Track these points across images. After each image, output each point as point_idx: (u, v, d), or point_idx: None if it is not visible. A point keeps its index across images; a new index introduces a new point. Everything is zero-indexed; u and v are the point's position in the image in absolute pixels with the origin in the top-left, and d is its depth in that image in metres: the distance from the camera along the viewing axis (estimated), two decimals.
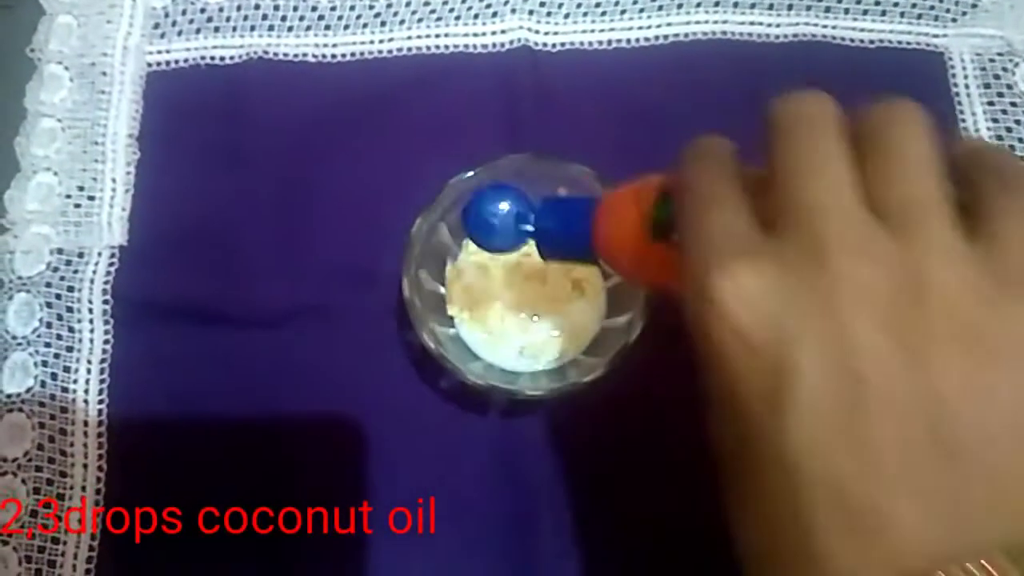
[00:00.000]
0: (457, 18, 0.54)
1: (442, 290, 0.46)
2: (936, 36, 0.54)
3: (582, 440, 0.47)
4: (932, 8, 0.54)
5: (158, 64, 0.53)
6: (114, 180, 0.51)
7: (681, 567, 0.46)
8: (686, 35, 0.53)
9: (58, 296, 0.49)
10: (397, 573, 0.46)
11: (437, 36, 0.53)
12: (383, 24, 0.53)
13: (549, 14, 0.54)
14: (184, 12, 0.54)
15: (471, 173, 0.44)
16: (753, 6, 0.54)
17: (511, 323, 0.45)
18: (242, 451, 0.47)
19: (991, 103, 0.53)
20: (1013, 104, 0.52)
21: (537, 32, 0.53)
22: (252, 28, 0.53)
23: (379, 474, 0.47)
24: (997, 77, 0.53)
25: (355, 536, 0.46)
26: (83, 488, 0.47)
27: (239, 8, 0.54)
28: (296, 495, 0.47)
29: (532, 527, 0.46)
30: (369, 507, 0.46)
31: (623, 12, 0.54)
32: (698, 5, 0.54)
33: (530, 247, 0.46)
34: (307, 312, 0.49)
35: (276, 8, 0.54)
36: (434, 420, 0.47)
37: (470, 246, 0.47)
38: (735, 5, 0.54)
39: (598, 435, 0.47)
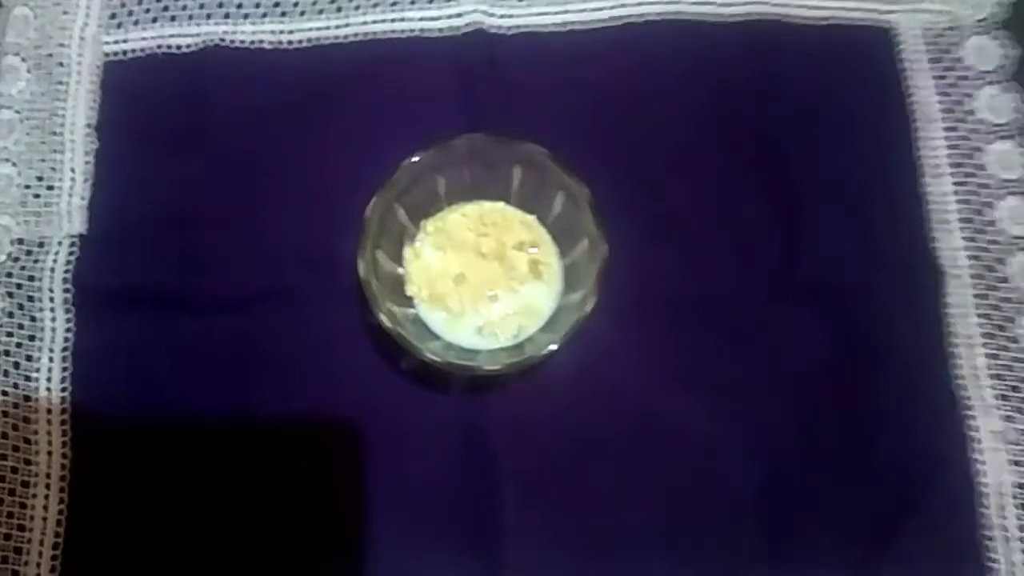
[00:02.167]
0: (412, 2, 0.54)
1: (400, 271, 0.47)
2: (885, 13, 0.54)
3: (542, 418, 0.48)
4: None
5: (115, 54, 0.53)
6: (73, 170, 0.51)
7: (642, 542, 0.47)
8: (639, 16, 0.54)
9: (19, 286, 0.49)
10: (360, 551, 0.46)
11: (393, 21, 0.54)
12: (339, 10, 0.54)
13: None
14: (140, 1, 0.54)
15: (426, 153, 0.44)
16: None
17: (469, 302, 0.46)
18: (206, 436, 0.48)
19: (940, 77, 0.53)
20: (961, 78, 0.53)
21: (492, 16, 0.54)
22: (208, 16, 0.54)
23: (342, 455, 0.47)
24: (946, 51, 0.54)
25: (318, 516, 0.47)
26: (48, 476, 0.47)
27: None
28: (260, 478, 0.47)
29: (495, 504, 0.47)
30: (332, 487, 0.47)
31: None
32: None
33: (487, 225, 0.47)
34: (268, 297, 0.49)
35: None
36: (396, 400, 0.48)
37: (428, 226, 0.47)
38: None
39: (557, 413, 0.48)
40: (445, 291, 0.46)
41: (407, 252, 0.47)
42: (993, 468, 0.47)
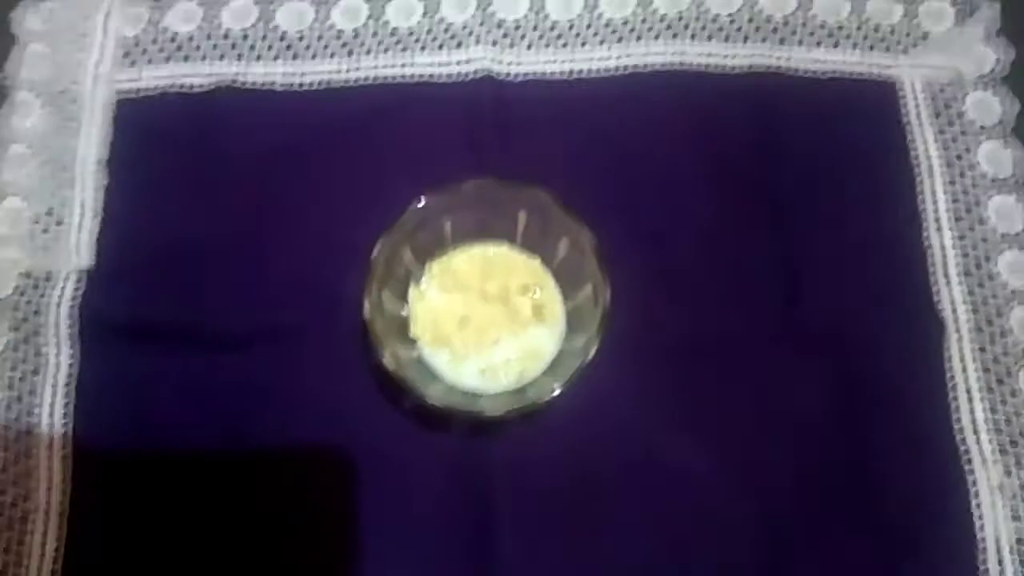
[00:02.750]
0: (423, 48, 0.55)
1: (405, 312, 0.47)
2: (888, 67, 0.55)
3: (543, 461, 0.47)
4: (883, 39, 0.56)
5: (128, 92, 0.54)
6: (82, 204, 0.51)
7: None
8: (645, 66, 0.55)
9: (25, 319, 0.49)
10: None
11: (403, 66, 0.55)
12: (350, 54, 0.55)
13: (512, 45, 0.55)
14: (155, 40, 0.55)
15: (434, 196, 0.45)
16: (710, 38, 0.55)
17: (473, 345, 0.46)
18: (206, 474, 0.47)
19: (941, 131, 0.54)
20: (963, 132, 0.54)
21: (500, 62, 0.54)
22: (221, 56, 0.54)
23: (342, 494, 0.47)
24: (947, 106, 0.55)
25: (317, 554, 0.46)
26: (46, 511, 0.47)
27: (209, 36, 0.55)
28: (259, 516, 0.47)
29: (494, 547, 0.46)
30: (331, 527, 0.47)
31: (584, 43, 0.55)
32: (656, 37, 0.55)
33: (492, 268, 0.47)
34: (272, 335, 0.49)
35: (245, 37, 0.55)
36: (398, 441, 0.48)
37: (434, 268, 0.47)
38: (692, 37, 0.55)
39: (558, 456, 0.47)
40: (449, 333, 0.46)
41: (412, 293, 0.47)
42: (991, 521, 0.47)
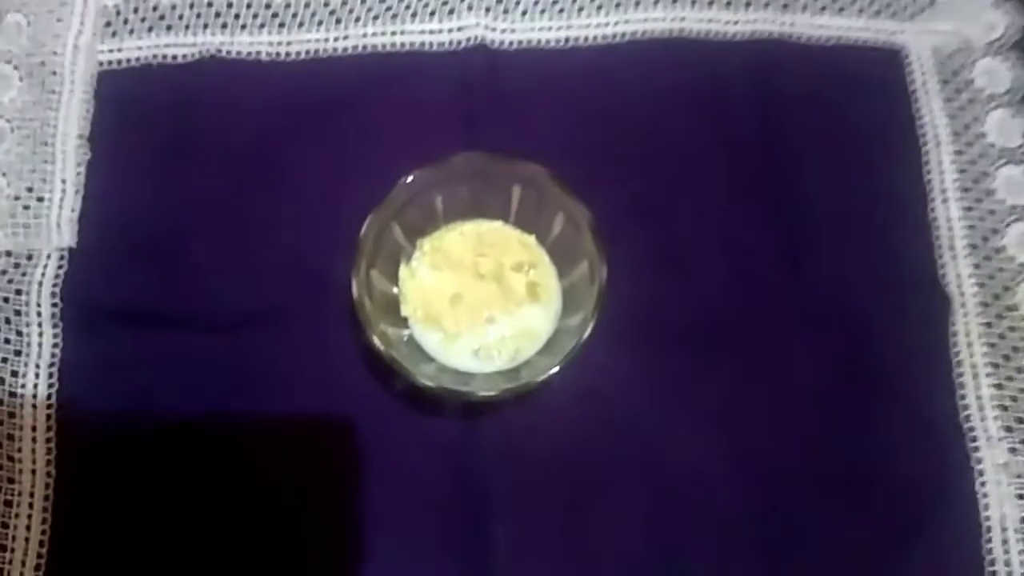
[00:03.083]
0: (413, 16, 0.53)
1: (395, 291, 0.46)
2: (894, 33, 0.54)
3: (537, 443, 0.47)
4: (889, 5, 0.54)
5: (109, 63, 0.52)
6: (64, 181, 0.50)
7: (639, 570, 0.46)
8: (643, 33, 0.53)
9: (6, 299, 0.48)
10: (350, 574, 0.45)
11: (393, 34, 0.53)
12: (338, 22, 0.53)
13: (506, 12, 0.53)
14: (136, 10, 0.53)
15: (424, 171, 0.43)
16: (711, 4, 0.53)
17: (466, 324, 0.45)
18: (193, 456, 0.47)
19: (949, 100, 0.53)
20: (971, 101, 0.52)
21: (494, 30, 0.53)
22: (205, 26, 0.53)
23: (332, 476, 0.46)
24: (955, 73, 0.53)
25: (307, 538, 0.46)
26: (31, 495, 0.46)
27: (192, 6, 0.53)
28: (248, 499, 0.46)
29: (487, 530, 0.46)
30: (322, 510, 0.46)
31: (580, 10, 0.53)
32: (656, 3, 0.53)
33: (485, 245, 0.46)
34: (260, 315, 0.48)
35: (229, 5, 0.53)
36: (389, 423, 0.47)
37: (425, 246, 0.46)
38: (692, 3, 0.53)
39: (552, 438, 0.47)
40: (441, 312, 0.45)
41: (403, 271, 0.46)
42: (996, 501, 0.46)
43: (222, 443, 0.47)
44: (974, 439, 0.47)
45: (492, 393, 0.42)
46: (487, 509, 0.46)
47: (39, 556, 0.45)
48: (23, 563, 0.45)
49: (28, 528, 0.45)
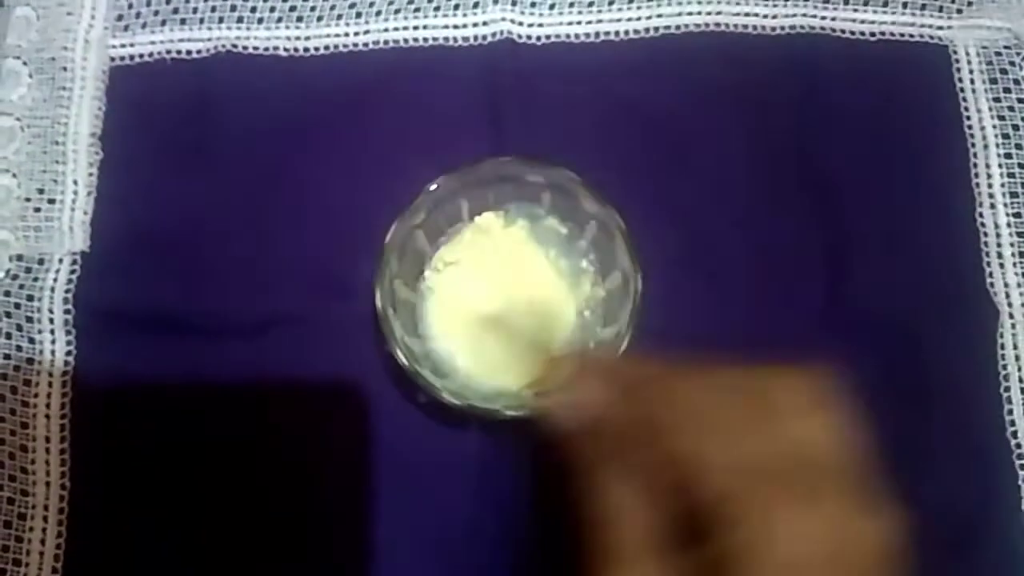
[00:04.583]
0: (436, 9, 0.51)
1: (418, 300, 0.44)
2: (940, 28, 0.51)
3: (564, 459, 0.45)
4: None
5: (122, 58, 0.50)
6: (75, 182, 0.48)
7: None
8: (677, 27, 0.51)
9: (17, 305, 0.47)
10: None
11: (415, 28, 0.51)
12: (358, 15, 0.51)
13: (533, 4, 0.51)
14: (149, 3, 0.51)
15: (449, 177, 0.42)
16: None
17: (492, 338, 0.43)
18: (210, 466, 0.45)
19: (997, 99, 0.50)
20: (1020, 101, 0.50)
21: (521, 24, 0.51)
22: (220, 20, 0.51)
23: (354, 488, 0.45)
24: (1004, 72, 0.51)
25: (330, 554, 0.45)
26: (46, 507, 0.45)
27: None
28: (269, 511, 0.45)
29: (511, 548, 0.44)
30: (343, 521, 0.45)
31: (611, 3, 0.51)
32: None
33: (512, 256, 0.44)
34: (280, 322, 0.47)
35: None
36: (412, 435, 0.45)
37: (448, 255, 0.44)
38: None
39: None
40: (466, 325, 0.43)
41: (427, 281, 0.44)
42: None
43: (239, 451, 0.45)
44: (1020, 456, 0.45)
45: (520, 413, 0.41)
46: (511, 522, 0.45)
47: (54, 571, 0.44)
48: None
49: (43, 542, 0.44)
